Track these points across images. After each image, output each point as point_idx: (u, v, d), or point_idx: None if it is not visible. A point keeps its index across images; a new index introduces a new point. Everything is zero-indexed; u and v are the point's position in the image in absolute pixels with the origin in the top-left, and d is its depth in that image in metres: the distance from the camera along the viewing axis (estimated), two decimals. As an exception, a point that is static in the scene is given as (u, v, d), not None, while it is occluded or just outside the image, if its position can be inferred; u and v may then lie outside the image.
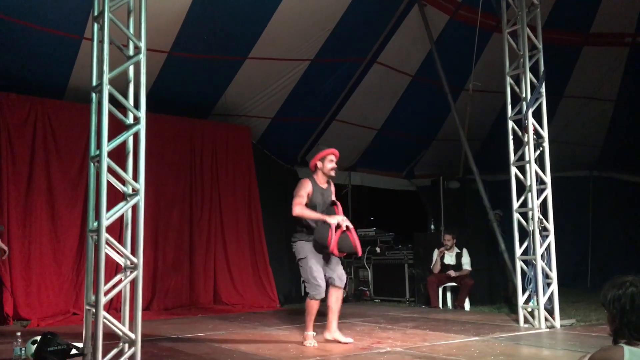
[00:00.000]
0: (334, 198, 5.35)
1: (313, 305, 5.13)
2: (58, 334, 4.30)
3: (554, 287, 6.07)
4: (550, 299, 6.05)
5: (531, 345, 5.13)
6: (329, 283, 5.19)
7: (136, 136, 4.18)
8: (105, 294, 3.94)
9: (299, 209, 5.06)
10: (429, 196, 10.07)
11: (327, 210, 5.20)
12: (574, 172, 10.54)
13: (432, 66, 8.49)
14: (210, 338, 5.63)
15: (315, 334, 5.21)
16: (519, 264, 6.24)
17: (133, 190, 4.16)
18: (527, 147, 6.24)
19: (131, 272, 4.09)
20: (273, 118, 9.40)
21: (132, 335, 3.99)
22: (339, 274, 5.20)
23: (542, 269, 6.03)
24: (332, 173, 5.31)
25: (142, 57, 4.22)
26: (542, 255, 6.06)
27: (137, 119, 4.19)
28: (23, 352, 4.30)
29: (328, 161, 5.28)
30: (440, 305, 8.24)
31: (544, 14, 6.93)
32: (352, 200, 11.25)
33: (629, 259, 9.64)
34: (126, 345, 4.02)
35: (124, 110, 4.24)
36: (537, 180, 6.22)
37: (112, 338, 4.08)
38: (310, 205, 5.14)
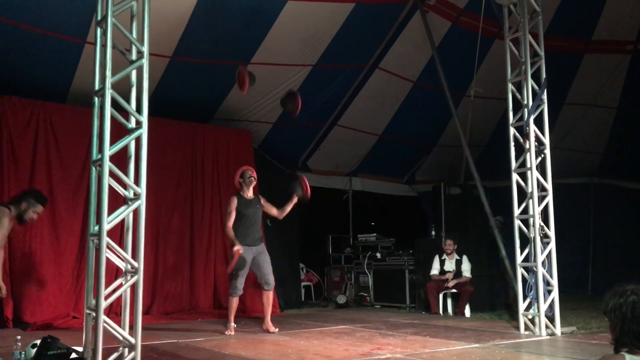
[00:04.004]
0: (264, 203, 6.52)
1: (233, 301, 6.31)
2: (58, 337, 4.29)
3: (555, 294, 6.07)
4: (551, 306, 6.04)
5: (532, 353, 5.11)
6: (260, 286, 6.45)
7: (138, 140, 4.20)
8: (106, 298, 3.94)
9: (227, 229, 6.24)
10: (430, 202, 10.07)
11: (256, 214, 6.38)
12: (575, 179, 10.52)
13: (434, 72, 8.50)
14: (210, 343, 5.62)
15: (235, 325, 6.33)
16: (519, 271, 6.23)
17: (134, 194, 4.17)
18: (528, 153, 6.24)
19: (132, 277, 4.09)
20: (274, 123, 9.42)
21: (132, 340, 3.99)
22: (267, 280, 6.35)
23: (543, 276, 6.02)
24: (252, 180, 6.42)
25: (145, 62, 4.23)
26: (543, 262, 6.05)
27: (139, 123, 4.20)
28: (23, 355, 4.28)
29: (247, 175, 6.40)
30: (441, 311, 8.23)
31: (545, 21, 6.94)
32: (352, 206, 11.25)
33: (629, 266, 9.62)
34: (126, 350, 4.02)
35: (126, 114, 4.25)
36: (538, 187, 6.22)
37: (112, 342, 4.08)
38: (240, 215, 6.26)
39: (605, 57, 9.29)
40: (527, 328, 6.14)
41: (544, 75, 6.42)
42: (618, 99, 9.92)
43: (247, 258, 6.27)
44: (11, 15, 6.46)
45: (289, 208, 6.49)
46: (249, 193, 6.44)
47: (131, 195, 4.17)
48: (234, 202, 6.34)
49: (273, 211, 6.56)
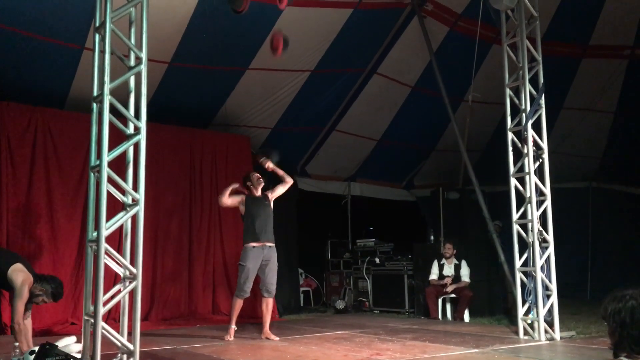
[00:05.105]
0: (271, 195, 6.51)
1: (237, 303, 6.26)
2: (56, 344, 4.28)
3: (554, 298, 6.06)
4: (550, 310, 6.04)
5: (531, 358, 5.11)
6: (260, 292, 6.36)
7: (136, 146, 4.20)
8: (104, 304, 3.94)
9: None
10: (429, 207, 10.07)
11: (265, 211, 6.35)
12: (573, 184, 10.54)
13: (432, 77, 8.51)
14: (208, 349, 5.60)
15: (236, 328, 6.28)
16: (518, 276, 6.23)
17: (133, 200, 4.16)
18: (526, 158, 6.25)
19: (130, 283, 4.09)
20: (273, 128, 9.42)
21: (131, 346, 3.98)
22: (268, 288, 6.29)
23: (542, 281, 6.02)
24: (261, 182, 6.47)
25: (143, 68, 4.24)
26: (541, 267, 6.05)
27: (137, 129, 4.21)
28: (21, 362, 4.28)
29: (254, 177, 6.46)
30: (440, 316, 8.21)
31: (543, 26, 6.97)
32: (351, 211, 11.24)
33: (628, 270, 9.64)
34: (124, 356, 4.02)
35: (124, 120, 4.25)
36: (536, 191, 6.22)
37: (110, 348, 4.07)
38: (249, 213, 6.32)
39: (602, 62, 9.32)
40: (526, 333, 6.13)
41: (541, 80, 6.43)
42: (615, 104, 9.96)
43: (257, 261, 6.22)
44: (9, 21, 6.46)
45: (280, 171, 6.50)
46: (258, 193, 6.47)
47: (130, 201, 4.17)
48: (243, 196, 6.44)
49: (281, 189, 6.55)
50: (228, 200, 6.34)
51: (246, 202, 6.39)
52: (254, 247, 6.21)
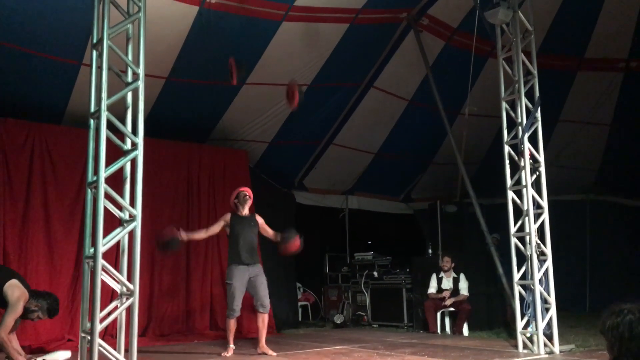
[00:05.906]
0: (261, 224, 6.49)
1: (230, 323, 6.25)
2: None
3: (553, 312, 6.04)
4: (549, 324, 6.01)
5: (530, 372, 5.08)
6: (254, 308, 6.31)
7: (134, 162, 4.20)
8: (101, 321, 3.92)
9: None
10: (427, 220, 10.06)
11: (250, 231, 6.32)
12: (570, 196, 10.56)
13: (428, 91, 8.55)
14: (206, 365, 5.57)
15: (234, 347, 6.29)
16: (517, 289, 6.22)
17: (130, 216, 4.16)
18: (523, 171, 6.26)
19: (127, 299, 4.07)
20: (270, 142, 9.44)
21: (128, 363, 3.95)
22: (262, 302, 6.24)
23: (541, 294, 6.00)
24: (247, 199, 6.41)
25: (141, 84, 4.25)
26: (540, 280, 6.04)
27: (134, 145, 4.21)
28: (17, 380, 4.24)
29: (241, 195, 6.39)
30: (439, 330, 8.17)
31: (538, 39, 7.01)
32: (349, 224, 11.23)
33: (626, 283, 9.62)
34: (121, 373, 3.98)
35: (121, 135, 4.26)
36: (534, 204, 6.23)
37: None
38: (233, 231, 6.29)
39: (598, 74, 9.37)
40: (525, 346, 6.10)
41: (537, 94, 6.46)
42: (611, 116, 10.00)
43: (243, 278, 6.19)
44: (7, 37, 6.48)
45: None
46: (244, 211, 6.43)
47: (127, 217, 4.17)
48: (227, 216, 6.40)
49: (269, 232, 6.50)
50: (209, 233, 6.40)
51: (231, 221, 6.35)
52: (238, 265, 6.20)
